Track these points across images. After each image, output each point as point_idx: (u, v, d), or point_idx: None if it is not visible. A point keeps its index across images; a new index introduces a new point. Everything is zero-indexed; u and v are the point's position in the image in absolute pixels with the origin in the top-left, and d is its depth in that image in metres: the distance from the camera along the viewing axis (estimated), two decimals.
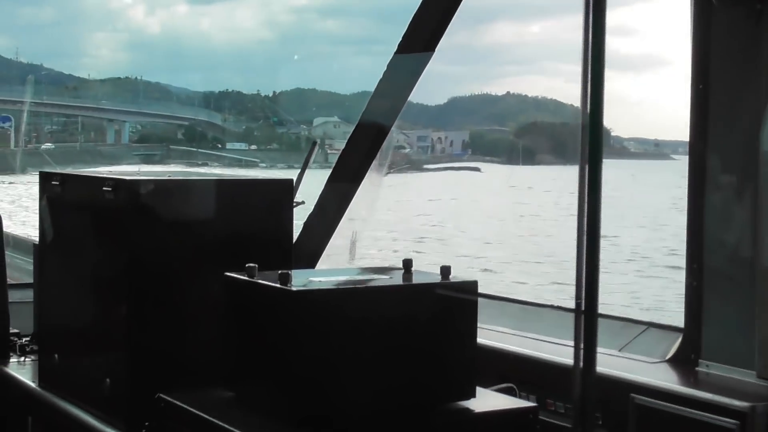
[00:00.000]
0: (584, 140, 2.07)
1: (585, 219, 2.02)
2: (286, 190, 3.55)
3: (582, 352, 2.07)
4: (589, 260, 2.02)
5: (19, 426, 3.91)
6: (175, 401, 2.85)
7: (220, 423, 2.65)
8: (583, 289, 2.03)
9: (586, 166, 2.08)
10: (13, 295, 4.43)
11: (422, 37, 4.37)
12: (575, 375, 2.09)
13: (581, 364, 2.07)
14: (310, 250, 4.62)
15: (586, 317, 2.05)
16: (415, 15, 4.35)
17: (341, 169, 4.59)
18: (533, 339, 4.03)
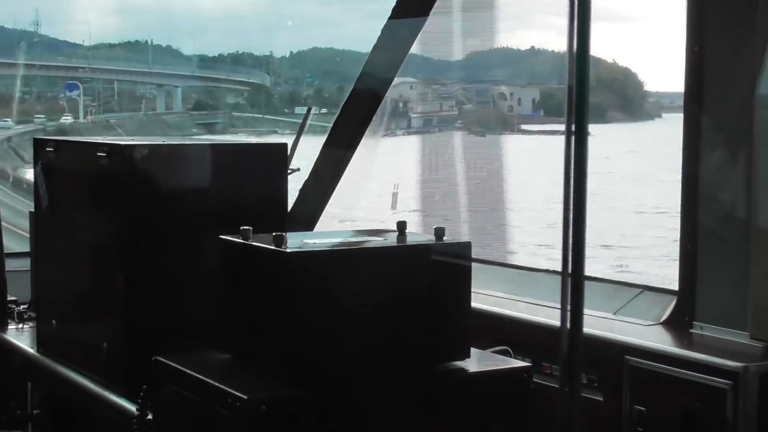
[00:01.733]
0: (570, 98, 2.07)
1: (570, 180, 2.02)
2: (280, 154, 3.56)
3: (569, 313, 2.08)
4: (575, 221, 2.02)
5: (18, 391, 3.94)
6: (172, 363, 2.87)
7: (217, 384, 2.67)
8: (570, 250, 2.04)
9: (572, 126, 2.08)
10: (10, 264, 4.46)
11: (416, 2, 4.36)
12: (562, 335, 2.11)
13: (568, 324, 2.08)
14: (306, 217, 4.63)
15: (573, 277, 2.06)
16: None
17: (336, 135, 4.59)
18: (528, 303, 4.05)
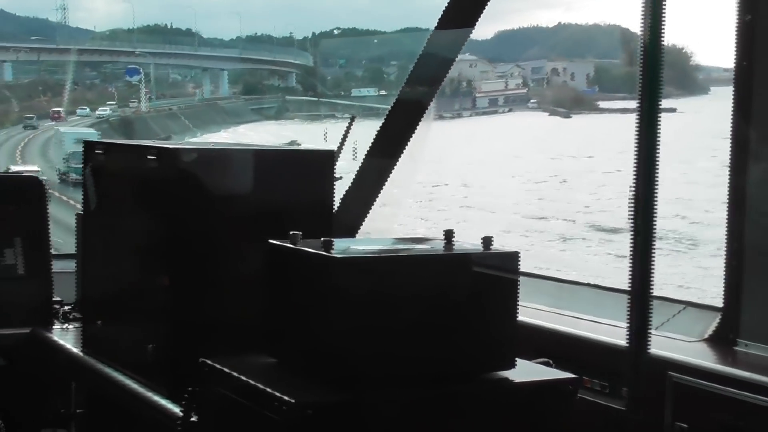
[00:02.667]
0: (644, 78, 2.00)
1: (637, 197, 2.00)
2: (327, 161, 3.58)
3: (635, 333, 2.07)
4: (642, 242, 2.01)
5: (62, 391, 3.98)
6: (218, 365, 2.89)
7: (264, 387, 2.68)
8: (637, 270, 2.02)
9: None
10: (56, 265, 4.51)
11: (462, 13, 4.37)
12: (629, 356, 2.09)
13: (634, 345, 2.07)
14: (348, 224, 4.65)
15: (640, 299, 2.05)
16: None
17: (379, 143, 4.61)
18: (569, 316, 4.04)
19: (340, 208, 4.64)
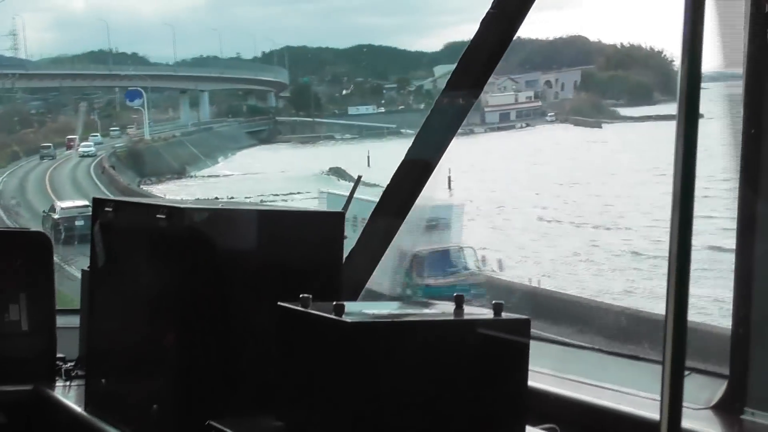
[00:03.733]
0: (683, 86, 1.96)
1: (672, 260, 1.96)
2: (337, 222, 3.60)
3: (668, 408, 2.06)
4: (677, 308, 1.98)
5: None
6: (226, 429, 2.88)
7: None
8: (671, 340, 2.00)
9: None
10: (59, 321, 4.50)
11: (471, 76, 4.41)
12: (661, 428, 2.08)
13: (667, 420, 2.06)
14: (352, 283, 4.65)
15: (673, 371, 2.04)
16: (465, 53, 4.39)
17: (387, 202, 4.63)
18: (573, 381, 4.02)
19: (344, 267, 4.65)
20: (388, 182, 4.62)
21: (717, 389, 3.52)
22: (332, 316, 2.68)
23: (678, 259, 1.91)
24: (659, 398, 3.12)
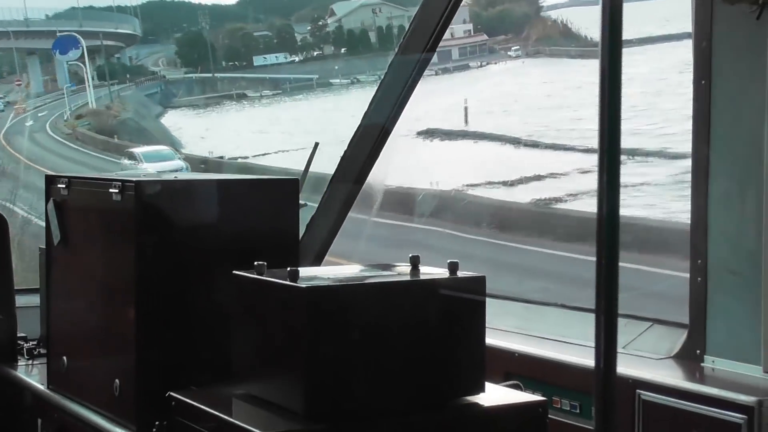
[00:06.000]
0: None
1: (602, 210, 1.99)
2: (292, 189, 3.58)
3: (603, 353, 2.08)
4: (608, 258, 2.01)
5: (29, 428, 3.93)
6: (186, 399, 2.87)
7: (231, 419, 2.67)
8: (603, 288, 2.03)
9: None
10: (18, 300, 4.46)
11: (423, 39, 4.39)
12: (597, 376, 2.10)
13: (602, 365, 2.08)
14: (314, 250, 4.64)
15: (607, 318, 2.06)
16: (415, 17, 4.37)
17: (344, 169, 4.61)
18: (536, 337, 4.05)
19: (305, 235, 4.64)
20: (345, 148, 4.60)
21: (678, 339, 3.55)
22: (287, 282, 2.67)
23: (607, 211, 1.93)
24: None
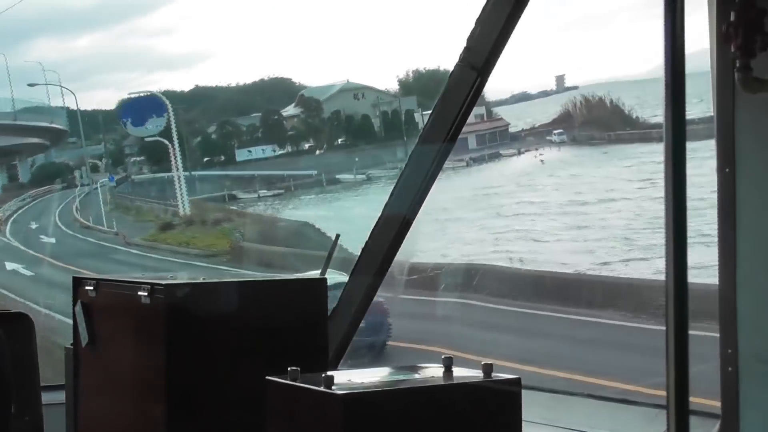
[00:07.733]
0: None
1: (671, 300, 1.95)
2: (320, 290, 3.59)
3: None
4: (678, 351, 1.98)
5: None
6: None
7: None
8: (673, 385, 2.00)
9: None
10: (44, 397, 4.43)
11: (445, 128, 4.41)
12: None
13: None
14: (337, 342, 4.61)
15: (678, 415, 2.03)
16: (435, 106, 4.41)
17: (366, 261, 4.60)
18: (563, 428, 4.02)
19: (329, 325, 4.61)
20: (366, 239, 4.59)
21: (710, 429, 3.52)
22: (322, 389, 2.66)
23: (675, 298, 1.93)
24: None
